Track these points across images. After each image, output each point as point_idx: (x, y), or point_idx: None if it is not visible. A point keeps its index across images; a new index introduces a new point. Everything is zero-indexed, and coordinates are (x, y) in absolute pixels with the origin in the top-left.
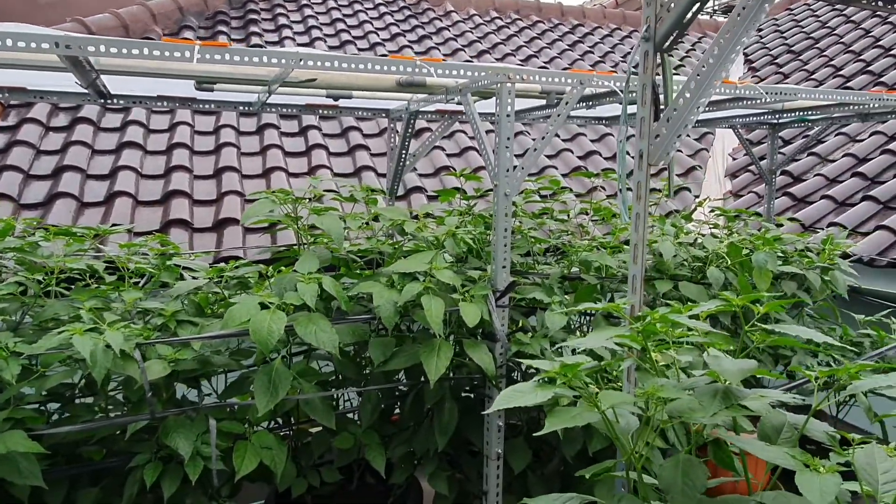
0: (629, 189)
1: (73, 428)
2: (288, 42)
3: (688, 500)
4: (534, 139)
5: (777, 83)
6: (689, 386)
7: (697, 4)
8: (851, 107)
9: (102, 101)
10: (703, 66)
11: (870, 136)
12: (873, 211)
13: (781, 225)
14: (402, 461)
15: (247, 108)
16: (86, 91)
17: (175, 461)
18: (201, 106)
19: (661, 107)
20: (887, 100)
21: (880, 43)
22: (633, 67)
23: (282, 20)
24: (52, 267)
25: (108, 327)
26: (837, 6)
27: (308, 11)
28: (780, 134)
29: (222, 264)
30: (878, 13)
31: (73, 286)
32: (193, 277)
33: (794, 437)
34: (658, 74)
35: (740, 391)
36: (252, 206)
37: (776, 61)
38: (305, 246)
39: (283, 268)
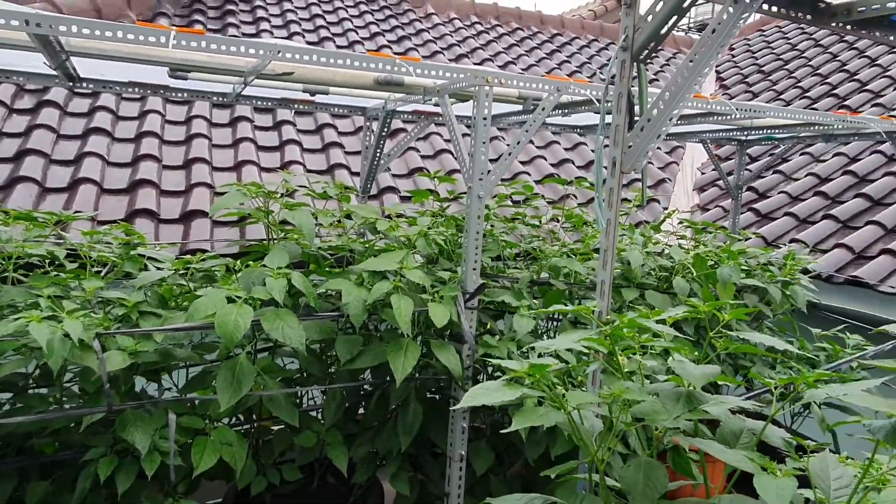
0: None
1: (26, 418)
2: (265, 35)
3: (648, 501)
4: (508, 144)
5: (746, 101)
6: (654, 390)
7: (675, 17)
8: (817, 127)
9: (71, 84)
10: (678, 79)
11: (833, 156)
12: (833, 229)
13: (748, 238)
14: (365, 461)
15: (220, 99)
16: (54, 73)
17: (131, 455)
18: (174, 94)
19: (636, 117)
20: (851, 122)
21: (846, 67)
22: (612, 78)
23: (260, 12)
24: (10, 252)
25: (66, 316)
26: (807, 30)
27: (287, 5)
28: (747, 151)
29: (188, 256)
30: (844, 38)
31: (31, 273)
32: (158, 268)
33: (752, 443)
34: (634, 85)
35: (703, 396)
36: (222, 197)
37: (746, 80)
38: (275, 241)
39: (251, 262)
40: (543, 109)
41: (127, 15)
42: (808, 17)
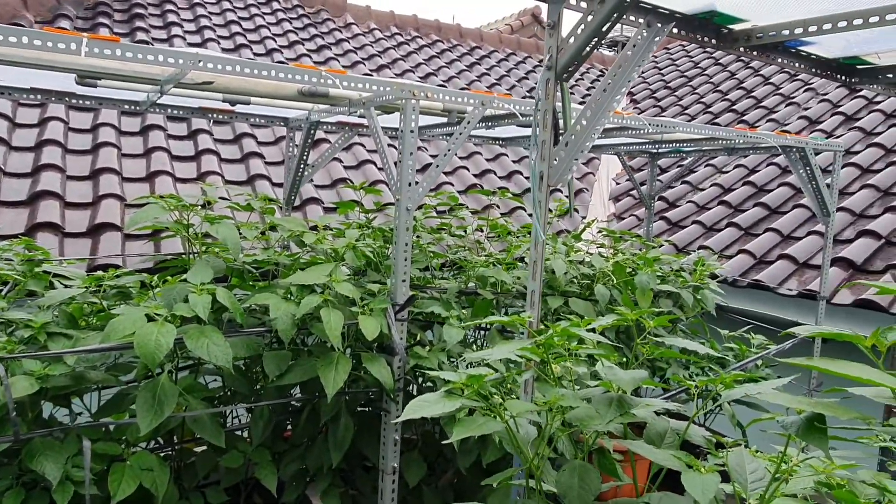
0: (529, 214)
1: None
2: (178, 41)
3: (584, 503)
4: (432, 155)
5: (655, 115)
6: (586, 395)
7: (595, 39)
8: (720, 141)
9: None
10: (598, 96)
11: (734, 168)
12: (736, 236)
13: (662, 245)
14: (294, 479)
15: (133, 108)
16: None
17: (41, 487)
18: (81, 102)
19: (561, 132)
20: (749, 136)
21: (743, 85)
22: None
23: (171, 17)
24: None
25: None
26: (709, 50)
27: (200, 11)
28: (657, 162)
29: (100, 272)
30: (741, 59)
31: None
32: (67, 286)
33: (676, 442)
34: (558, 101)
35: (632, 399)
36: (139, 210)
37: (655, 95)
38: (195, 255)
39: (169, 278)
40: (469, 122)
41: (24, 16)
42: (714, 41)
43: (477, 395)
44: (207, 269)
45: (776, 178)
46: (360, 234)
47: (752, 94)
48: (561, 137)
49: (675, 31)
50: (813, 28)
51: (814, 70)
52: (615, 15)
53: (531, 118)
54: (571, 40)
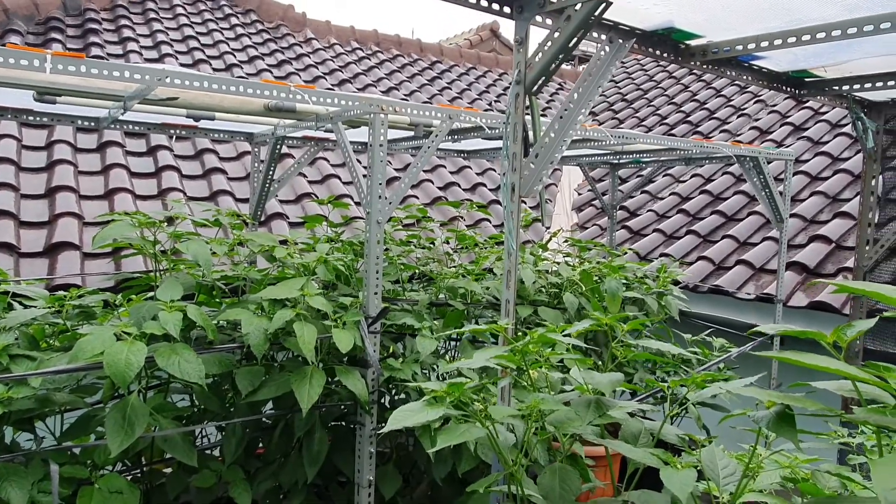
0: (496, 225)
1: None
2: (134, 56)
3: (566, 503)
4: (396, 168)
5: (614, 127)
6: (565, 399)
7: (562, 55)
8: (677, 151)
9: None
10: (566, 109)
11: (691, 177)
12: (695, 244)
13: (625, 253)
14: (268, 496)
15: (92, 124)
16: None
17: None
18: (38, 119)
19: (531, 143)
20: (705, 147)
21: (697, 97)
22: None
23: (127, 32)
24: None
25: None
26: (662, 64)
27: (157, 25)
28: (618, 173)
29: (62, 292)
30: (694, 72)
31: None
32: (26, 307)
33: (650, 442)
34: (527, 114)
35: (610, 401)
36: (106, 228)
37: (612, 108)
38: (161, 272)
39: (133, 296)
40: (438, 136)
41: None
42: (672, 56)
43: (458, 403)
44: (177, 286)
45: (731, 186)
46: (330, 247)
47: (706, 105)
48: (531, 149)
49: (636, 46)
50: (764, 44)
51: (765, 83)
52: (581, 32)
53: (497, 131)
54: (539, 56)
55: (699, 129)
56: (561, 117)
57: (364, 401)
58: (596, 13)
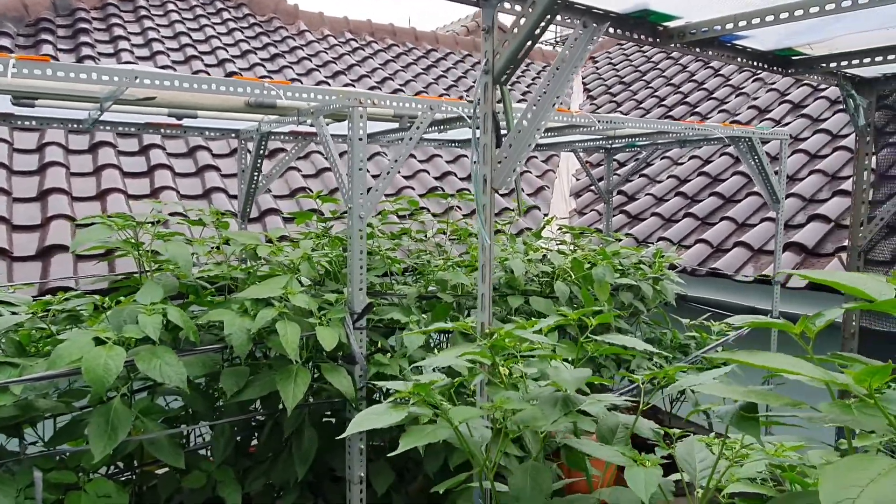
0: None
1: None
2: (125, 54)
3: (536, 503)
4: (391, 160)
5: (612, 111)
6: (534, 396)
7: (530, 42)
8: (672, 134)
9: None
10: (539, 97)
11: (689, 159)
12: (693, 227)
13: (621, 240)
14: (261, 495)
15: (75, 126)
16: None
17: None
18: (20, 123)
19: (504, 132)
20: (699, 129)
21: (695, 78)
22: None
23: (118, 31)
24: None
25: None
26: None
27: (148, 23)
28: (615, 157)
29: (49, 296)
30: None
31: None
32: (13, 312)
33: (626, 436)
34: (499, 103)
35: (578, 398)
36: (84, 231)
37: (610, 91)
38: (149, 273)
39: (122, 298)
40: (419, 128)
41: None
42: (650, 39)
43: (424, 403)
44: (157, 289)
45: (729, 167)
46: (317, 243)
47: (704, 86)
48: (504, 139)
49: (611, 30)
50: (742, 23)
51: (751, 63)
52: (548, 17)
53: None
54: (506, 43)
55: (697, 109)
56: (534, 105)
57: (351, 398)
58: None
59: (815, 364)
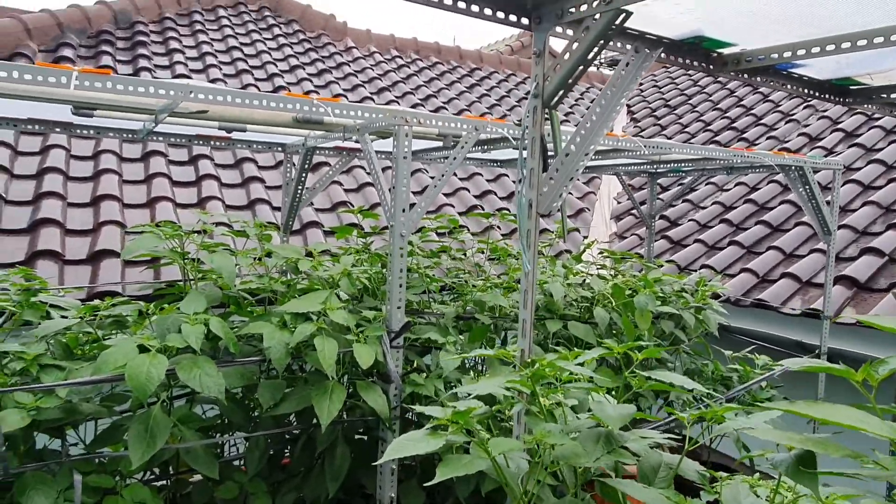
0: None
1: None
2: (179, 67)
3: None
4: (432, 177)
5: (655, 134)
6: (574, 429)
7: (581, 67)
8: (717, 161)
9: None
10: (589, 121)
11: (734, 186)
12: (738, 255)
13: (663, 265)
14: None
15: (130, 136)
16: None
17: None
18: (79, 131)
19: (551, 155)
20: (746, 156)
21: (742, 103)
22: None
23: (173, 44)
24: None
25: None
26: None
27: (202, 37)
28: (658, 181)
29: (97, 301)
30: None
31: None
32: (63, 316)
33: (669, 476)
34: (547, 126)
35: (621, 435)
36: (134, 240)
37: (655, 114)
38: (192, 282)
39: (166, 305)
40: (463, 147)
41: (27, 45)
42: (703, 65)
43: (463, 431)
44: (201, 299)
45: (777, 195)
46: (357, 259)
47: (752, 111)
48: (550, 164)
49: (663, 55)
50: (801, 52)
51: (807, 91)
52: (601, 42)
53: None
54: (557, 68)
55: (745, 135)
56: (584, 130)
57: (385, 417)
58: (616, 23)
59: (880, 416)
